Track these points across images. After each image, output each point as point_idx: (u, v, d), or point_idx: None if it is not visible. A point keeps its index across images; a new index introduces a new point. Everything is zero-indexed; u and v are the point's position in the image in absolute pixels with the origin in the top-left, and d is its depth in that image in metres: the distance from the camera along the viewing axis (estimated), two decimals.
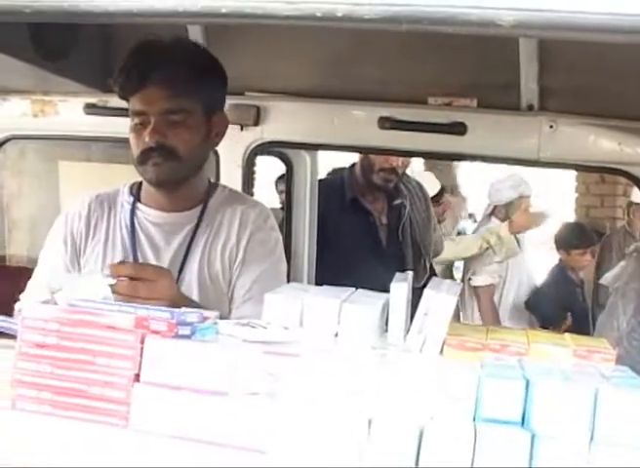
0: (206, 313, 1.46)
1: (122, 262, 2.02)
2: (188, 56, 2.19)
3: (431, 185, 5.63)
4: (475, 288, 5.37)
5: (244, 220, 2.28)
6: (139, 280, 1.87)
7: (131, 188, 2.35)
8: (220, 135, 2.33)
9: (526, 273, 5.68)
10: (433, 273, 4.13)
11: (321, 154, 3.80)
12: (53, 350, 1.27)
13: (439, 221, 5.73)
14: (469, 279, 5.36)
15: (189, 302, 2.01)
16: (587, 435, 1.14)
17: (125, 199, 2.33)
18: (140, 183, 2.34)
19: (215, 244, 2.26)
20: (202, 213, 2.29)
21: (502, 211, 5.51)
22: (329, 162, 4.86)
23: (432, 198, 5.50)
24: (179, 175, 2.21)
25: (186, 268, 2.23)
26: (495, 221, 5.54)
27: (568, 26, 1.08)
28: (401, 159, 3.81)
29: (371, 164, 3.77)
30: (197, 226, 2.27)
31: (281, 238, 2.39)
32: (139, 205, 2.31)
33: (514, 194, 5.45)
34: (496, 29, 1.06)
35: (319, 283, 1.87)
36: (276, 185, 5.83)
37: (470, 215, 8.84)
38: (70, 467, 1.22)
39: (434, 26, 1.08)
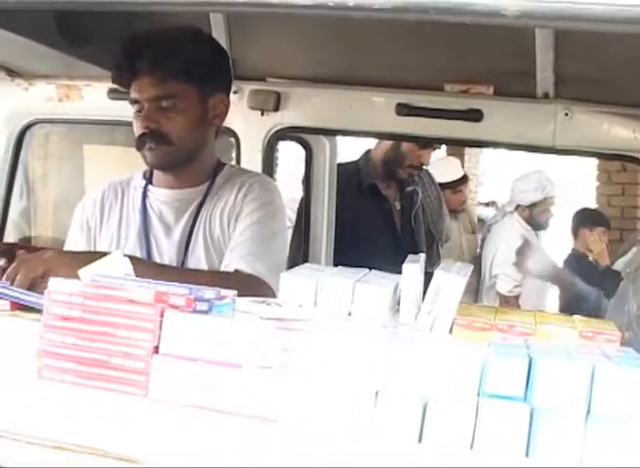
0: (224, 291, 1.50)
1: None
2: (172, 42, 2.24)
3: (454, 171, 5.61)
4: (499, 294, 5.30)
5: (241, 187, 2.33)
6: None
7: (144, 173, 2.44)
8: (220, 117, 2.38)
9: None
10: None
11: (340, 139, 3.84)
12: (77, 322, 1.32)
13: (460, 211, 5.75)
14: (493, 283, 5.33)
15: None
16: (584, 410, 1.19)
17: (138, 183, 2.42)
18: None
19: (214, 212, 2.33)
20: (209, 188, 2.36)
21: (526, 211, 5.43)
22: (348, 147, 4.89)
23: (452, 183, 5.52)
24: (174, 159, 2.28)
25: (192, 241, 2.30)
26: (518, 219, 5.47)
27: (571, 17, 1.12)
28: (427, 155, 3.89)
29: (400, 158, 3.82)
30: (203, 201, 2.34)
31: (277, 198, 2.41)
32: (150, 187, 2.40)
33: (540, 196, 5.36)
34: (500, 19, 1.11)
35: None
36: None
37: (492, 203, 8.80)
38: (92, 433, 1.28)
39: (441, 16, 1.13)
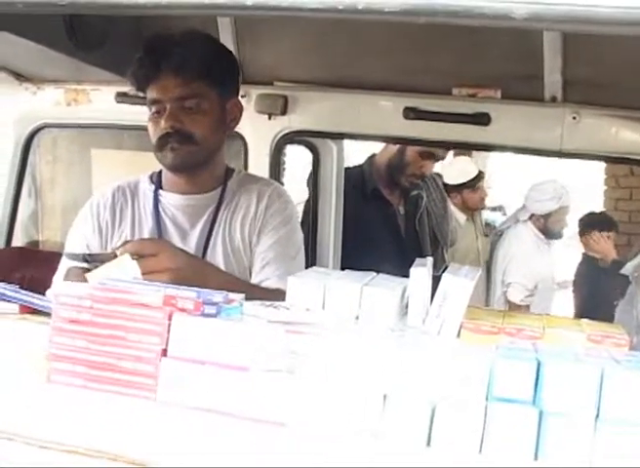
0: (231, 295, 1.51)
1: (124, 243, 2.03)
2: (198, 45, 2.27)
3: (468, 170, 5.61)
4: (510, 302, 5.29)
5: (260, 197, 2.36)
6: (142, 257, 1.90)
7: (151, 177, 2.44)
8: (236, 120, 2.41)
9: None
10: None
11: (349, 143, 3.85)
12: (86, 326, 1.32)
13: (478, 209, 5.73)
14: (505, 291, 5.31)
15: (209, 268, 2.14)
16: (593, 413, 1.19)
17: (147, 187, 2.41)
18: (160, 172, 2.42)
19: (234, 221, 2.34)
20: (222, 193, 2.37)
21: (541, 220, 5.43)
22: (356, 150, 4.89)
23: (470, 182, 5.51)
24: (196, 159, 2.29)
25: (210, 246, 2.31)
26: (532, 228, 5.46)
27: (579, 19, 1.12)
28: (430, 165, 3.89)
29: (403, 165, 3.82)
30: (218, 207, 2.35)
31: (295, 211, 2.48)
32: (161, 192, 2.39)
33: (555, 205, 5.36)
34: (509, 22, 1.11)
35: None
36: None
37: (499, 208, 8.79)
38: (101, 436, 1.28)
39: (450, 19, 1.13)
